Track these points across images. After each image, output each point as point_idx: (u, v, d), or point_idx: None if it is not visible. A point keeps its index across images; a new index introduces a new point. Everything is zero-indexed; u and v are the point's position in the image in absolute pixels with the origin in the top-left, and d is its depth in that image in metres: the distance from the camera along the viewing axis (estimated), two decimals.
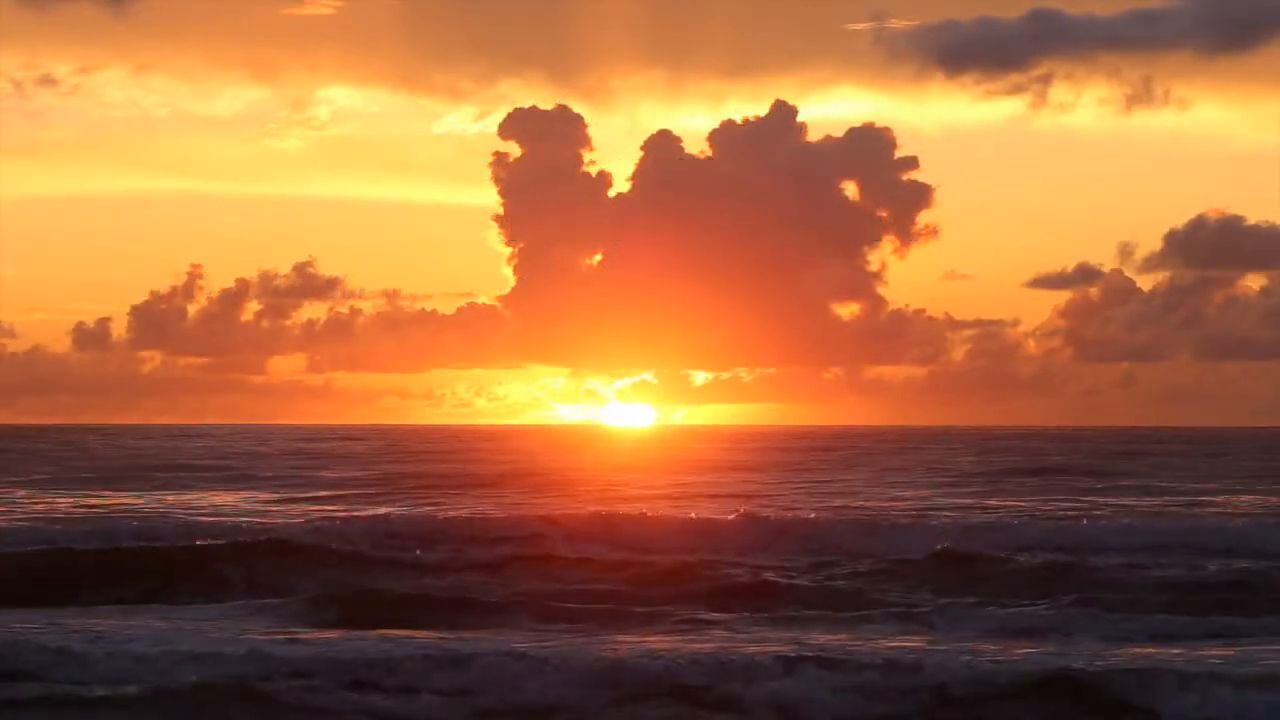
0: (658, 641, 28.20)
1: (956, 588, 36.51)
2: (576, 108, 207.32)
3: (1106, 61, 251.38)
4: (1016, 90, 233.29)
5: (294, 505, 63.87)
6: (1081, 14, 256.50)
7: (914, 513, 58.66)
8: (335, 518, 53.14)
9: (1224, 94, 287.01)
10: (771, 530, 48.36)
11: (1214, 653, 26.90)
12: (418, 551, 43.52)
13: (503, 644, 26.91)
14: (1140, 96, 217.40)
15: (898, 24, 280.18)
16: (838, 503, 65.69)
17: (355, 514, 56.00)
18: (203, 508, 61.69)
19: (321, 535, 46.12)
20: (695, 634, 29.49)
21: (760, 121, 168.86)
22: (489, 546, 44.34)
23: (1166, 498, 69.69)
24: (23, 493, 70.15)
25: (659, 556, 42.14)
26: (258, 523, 52.02)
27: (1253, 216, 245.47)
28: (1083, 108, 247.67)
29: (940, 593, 35.92)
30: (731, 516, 51.20)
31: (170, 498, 67.89)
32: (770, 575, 38.32)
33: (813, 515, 54.05)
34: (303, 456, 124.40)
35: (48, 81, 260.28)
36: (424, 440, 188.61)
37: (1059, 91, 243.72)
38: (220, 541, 42.61)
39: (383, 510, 58.87)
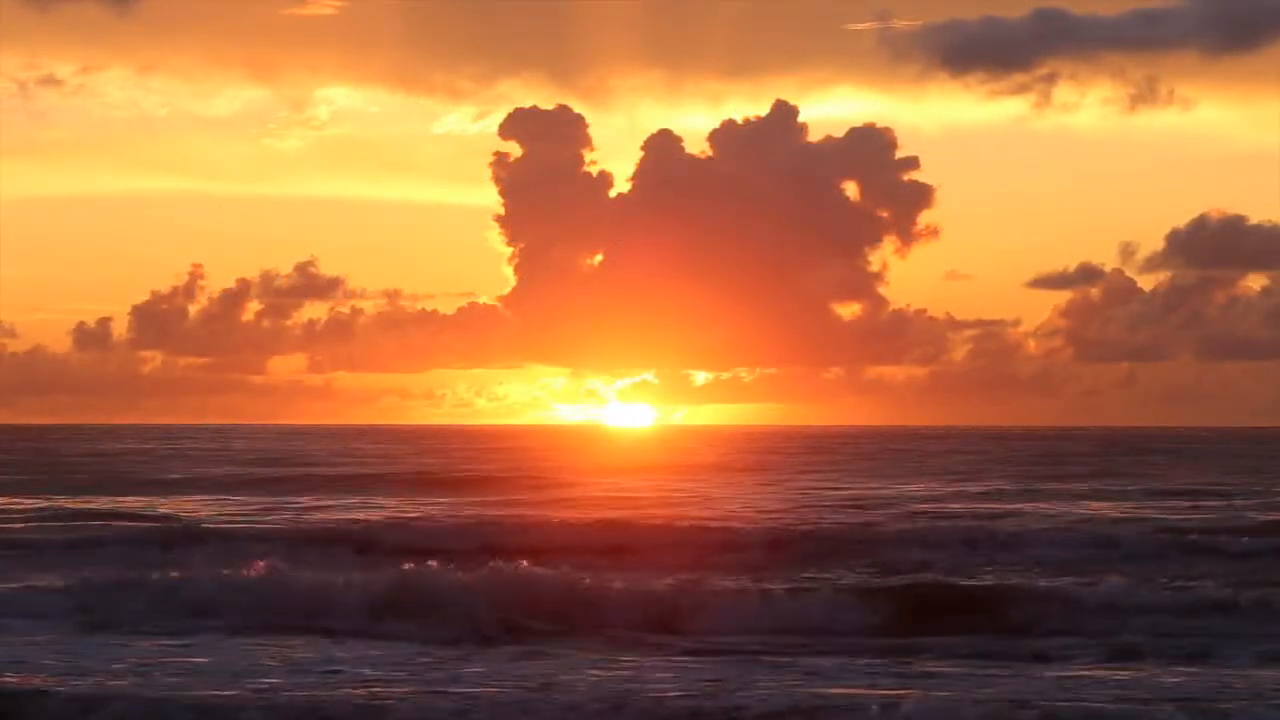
0: None
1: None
2: (576, 108, 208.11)
3: (1111, 61, 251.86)
4: (1021, 90, 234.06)
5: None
6: (1086, 14, 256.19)
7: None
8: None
9: (1227, 94, 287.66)
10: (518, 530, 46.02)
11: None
12: None
13: None
14: (1144, 96, 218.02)
15: (901, 24, 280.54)
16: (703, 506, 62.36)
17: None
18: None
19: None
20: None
21: (761, 121, 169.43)
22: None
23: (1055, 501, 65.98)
24: None
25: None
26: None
27: (1255, 216, 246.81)
28: (1086, 108, 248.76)
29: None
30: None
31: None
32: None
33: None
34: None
35: (50, 81, 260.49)
36: (388, 440, 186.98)
37: (1063, 91, 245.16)
38: None
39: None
